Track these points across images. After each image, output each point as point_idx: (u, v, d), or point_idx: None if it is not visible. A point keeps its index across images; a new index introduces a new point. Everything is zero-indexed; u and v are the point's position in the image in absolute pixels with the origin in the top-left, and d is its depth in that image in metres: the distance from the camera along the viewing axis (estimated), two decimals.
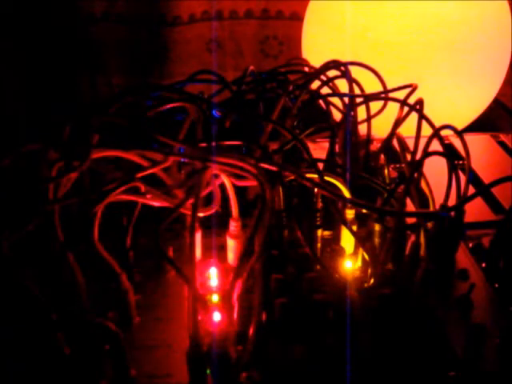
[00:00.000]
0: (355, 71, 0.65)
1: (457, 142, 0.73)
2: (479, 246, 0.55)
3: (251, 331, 0.41)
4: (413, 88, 0.63)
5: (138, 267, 0.51)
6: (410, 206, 0.58)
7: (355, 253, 0.52)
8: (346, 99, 0.63)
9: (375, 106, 0.65)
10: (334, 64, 0.64)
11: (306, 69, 0.71)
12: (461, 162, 0.70)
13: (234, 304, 0.42)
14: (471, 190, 0.53)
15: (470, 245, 0.55)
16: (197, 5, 1.10)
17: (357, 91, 0.64)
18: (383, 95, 0.64)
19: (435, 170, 0.56)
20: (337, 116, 0.65)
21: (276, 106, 0.61)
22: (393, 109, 0.61)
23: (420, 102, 0.58)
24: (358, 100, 0.62)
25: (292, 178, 0.49)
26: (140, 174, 0.46)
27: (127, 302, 0.46)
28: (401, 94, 0.62)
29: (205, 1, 1.11)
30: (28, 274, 0.39)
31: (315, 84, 0.65)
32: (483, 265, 0.53)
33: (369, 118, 0.62)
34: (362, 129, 0.62)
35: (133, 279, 0.48)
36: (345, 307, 0.44)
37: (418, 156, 0.52)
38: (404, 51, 0.76)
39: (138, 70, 1.16)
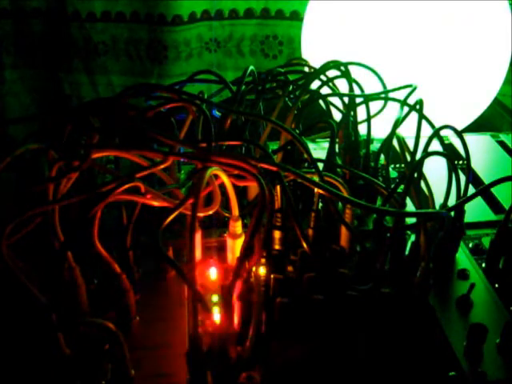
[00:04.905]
0: (355, 71, 0.65)
1: (457, 142, 0.73)
2: (479, 245, 0.55)
3: (251, 331, 0.41)
4: (413, 88, 0.63)
5: (137, 267, 0.51)
6: (410, 206, 0.58)
7: (354, 253, 0.52)
8: (346, 99, 0.63)
9: (375, 105, 0.65)
10: (334, 64, 0.64)
11: (306, 69, 0.71)
12: (461, 162, 0.70)
13: (234, 304, 0.42)
14: (471, 190, 0.53)
15: (470, 245, 0.56)
16: (197, 4, 1.10)
17: (357, 91, 0.64)
18: (383, 95, 0.64)
19: (435, 170, 0.56)
20: (337, 116, 0.65)
21: (276, 106, 0.61)
22: (393, 109, 0.61)
23: (420, 102, 0.58)
24: (358, 100, 0.62)
25: (292, 177, 0.49)
26: (140, 174, 0.46)
27: (127, 301, 0.46)
28: (401, 94, 0.62)
29: (205, 0, 1.11)
30: (28, 273, 0.39)
31: (315, 84, 0.65)
32: (483, 265, 0.53)
33: (369, 118, 0.62)
34: (362, 129, 0.62)
35: (133, 279, 0.48)
36: (344, 307, 0.44)
37: (418, 156, 0.52)
38: (404, 51, 0.76)
39: (138, 70, 1.16)
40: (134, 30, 1.12)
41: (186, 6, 1.09)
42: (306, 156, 0.53)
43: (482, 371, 0.42)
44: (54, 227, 0.45)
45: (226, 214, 0.52)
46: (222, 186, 0.48)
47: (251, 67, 0.63)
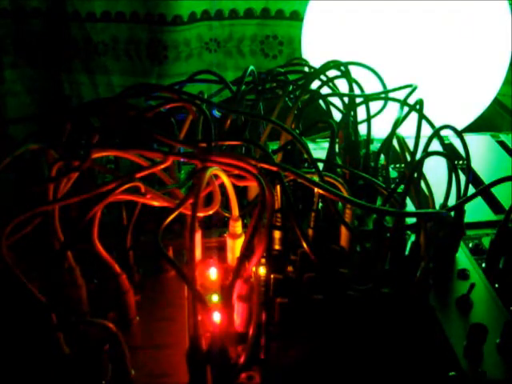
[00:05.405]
0: (355, 71, 0.65)
1: (457, 142, 0.73)
2: (479, 245, 0.55)
3: (251, 331, 0.41)
4: (413, 88, 0.63)
5: (138, 267, 0.50)
6: (410, 206, 0.58)
7: (354, 253, 0.52)
8: (346, 99, 0.63)
9: (375, 105, 0.65)
10: (334, 64, 0.64)
11: (306, 69, 0.71)
12: (461, 162, 0.70)
13: (234, 304, 0.42)
14: (471, 190, 0.53)
15: (470, 245, 0.56)
16: (197, 4, 1.10)
17: (357, 91, 0.64)
18: (383, 95, 0.64)
19: (435, 170, 0.56)
20: (337, 116, 0.65)
21: (276, 106, 0.61)
22: (393, 109, 0.61)
23: (420, 102, 0.58)
24: (358, 100, 0.62)
25: (292, 177, 0.49)
26: (140, 174, 0.46)
27: (127, 302, 0.46)
28: (401, 94, 0.62)
29: (205, 0, 1.11)
30: (28, 273, 0.39)
31: (315, 84, 0.65)
32: (483, 265, 0.53)
33: (369, 118, 0.62)
34: (362, 129, 0.62)
35: (133, 279, 0.48)
36: (344, 307, 0.44)
37: (418, 156, 0.52)
38: (404, 51, 0.76)
39: (138, 70, 1.16)
40: (134, 30, 1.12)
41: (186, 6, 1.09)
42: (306, 156, 0.53)
43: (482, 371, 0.42)
44: (54, 227, 0.45)
45: (226, 214, 0.52)
46: (222, 186, 0.48)
47: (251, 67, 0.63)
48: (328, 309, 0.44)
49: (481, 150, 0.76)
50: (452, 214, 0.52)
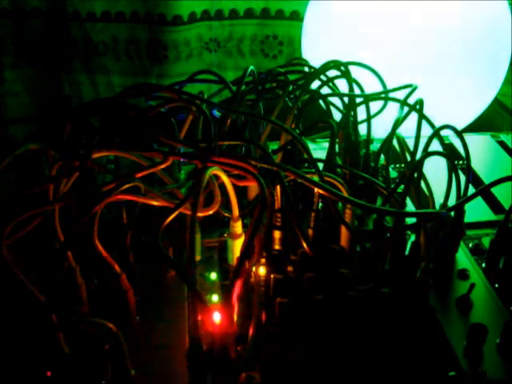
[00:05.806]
0: (355, 71, 0.65)
1: (457, 142, 0.73)
2: (479, 245, 0.55)
3: (251, 331, 0.41)
4: (413, 88, 0.63)
5: (137, 267, 0.50)
6: (410, 206, 0.58)
7: (354, 252, 0.52)
8: (346, 99, 0.63)
9: (375, 105, 0.65)
10: (334, 64, 0.64)
11: (306, 69, 0.71)
12: (461, 162, 0.70)
13: (234, 304, 0.42)
14: (471, 190, 0.53)
15: (470, 245, 0.56)
16: (197, 4, 1.10)
17: (357, 91, 0.64)
18: (383, 95, 0.64)
19: (435, 170, 0.56)
20: (337, 116, 0.65)
21: (276, 106, 0.61)
22: (393, 109, 0.61)
23: (420, 102, 0.58)
24: (358, 100, 0.62)
25: (292, 177, 0.49)
26: (140, 174, 0.46)
27: (127, 301, 0.46)
28: (401, 94, 0.62)
29: (205, 0, 1.11)
30: (28, 273, 0.39)
31: (315, 84, 0.65)
32: (483, 265, 0.53)
33: (369, 118, 0.62)
34: (362, 129, 0.62)
35: (133, 279, 0.48)
36: (344, 307, 0.44)
37: (418, 156, 0.52)
38: (404, 51, 0.76)
39: (138, 70, 1.16)
40: (134, 30, 1.12)
41: (186, 6, 1.09)
42: (306, 156, 0.53)
43: (482, 371, 0.42)
44: (54, 227, 0.45)
45: (226, 214, 0.52)
46: (222, 186, 0.48)
47: (251, 67, 0.63)
48: (328, 309, 0.44)
49: (481, 150, 0.76)
50: (452, 214, 0.52)
